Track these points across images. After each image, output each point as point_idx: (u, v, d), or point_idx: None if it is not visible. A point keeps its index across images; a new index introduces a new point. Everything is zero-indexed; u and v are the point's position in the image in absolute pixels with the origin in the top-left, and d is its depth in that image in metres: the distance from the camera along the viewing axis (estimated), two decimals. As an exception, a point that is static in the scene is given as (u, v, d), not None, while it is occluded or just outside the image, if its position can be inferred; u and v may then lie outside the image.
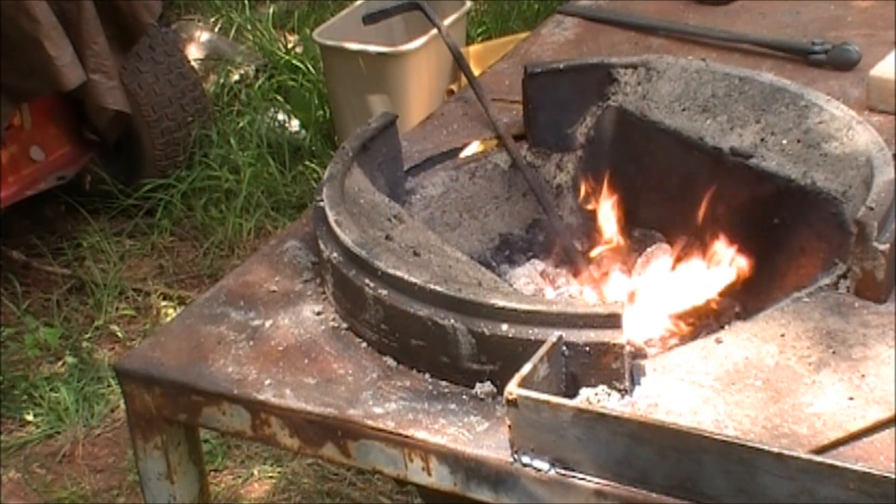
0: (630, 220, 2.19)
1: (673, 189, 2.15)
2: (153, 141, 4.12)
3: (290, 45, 4.96)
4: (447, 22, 4.26)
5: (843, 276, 1.79)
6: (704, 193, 2.08)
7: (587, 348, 1.61)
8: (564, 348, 1.61)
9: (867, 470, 1.38)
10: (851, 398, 1.59)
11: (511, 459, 1.58)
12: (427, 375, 1.74)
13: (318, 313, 1.89)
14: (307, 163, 4.34)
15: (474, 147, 2.29)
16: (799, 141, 2.00)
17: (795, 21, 2.72)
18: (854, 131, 1.95)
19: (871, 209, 1.74)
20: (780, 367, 1.65)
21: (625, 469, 1.51)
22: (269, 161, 4.30)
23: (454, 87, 4.27)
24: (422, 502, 2.62)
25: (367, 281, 1.76)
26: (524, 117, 2.28)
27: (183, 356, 1.83)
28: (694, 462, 1.45)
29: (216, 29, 5.21)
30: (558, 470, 1.55)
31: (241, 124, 4.45)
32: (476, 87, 2.27)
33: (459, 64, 2.31)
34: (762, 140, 2.04)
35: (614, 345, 1.60)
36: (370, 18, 2.40)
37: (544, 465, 1.56)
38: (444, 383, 1.73)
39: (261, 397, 1.74)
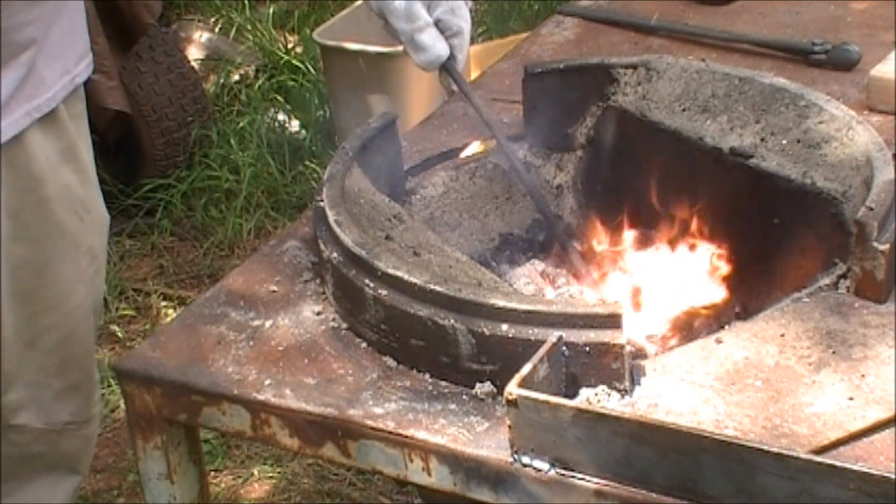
0: (630, 221, 2.19)
1: (673, 189, 2.15)
2: (153, 141, 4.13)
3: (290, 45, 4.96)
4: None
5: (843, 276, 1.79)
6: (704, 193, 2.08)
7: (587, 348, 1.61)
8: (564, 348, 1.61)
9: (867, 470, 1.38)
10: (851, 398, 1.59)
11: (511, 459, 1.58)
12: (427, 375, 1.75)
13: (318, 313, 1.89)
14: (307, 163, 4.34)
15: (474, 147, 2.29)
16: (799, 141, 2.00)
17: (795, 21, 2.72)
18: (854, 131, 1.95)
19: (871, 209, 1.74)
20: (780, 367, 1.65)
21: (625, 469, 1.51)
22: (269, 161, 4.31)
23: (454, 87, 4.27)
24: (422, 502, 2.62)
25: (367, 281, 1.76)
26: (524, 117, 2.28)
27: (183, 356, 1.83)
28: (694, 462, 1.45)
29: (216, 29, 5.21)
30: (558, 470, 1.55)
31: (241, 124, 4.45)
32: (469, 95, 2.21)
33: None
34: (762, 140, 2.04)
35: (614, 345, 1.60)
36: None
37: (544, 465, 1.56)
38: (444, 383, 1.73)
39: (261, 397, 1.74)
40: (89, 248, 2.13)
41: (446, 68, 2.10)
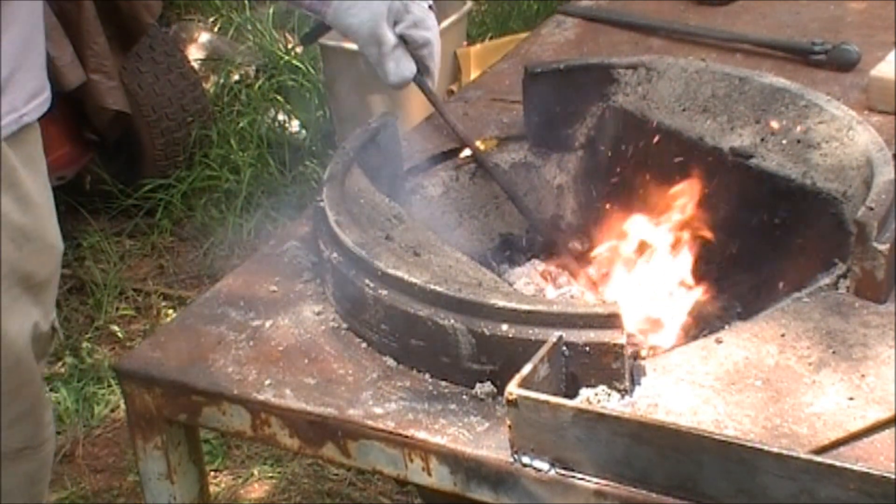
0: (629, 221, 2.18)
1: (672, 189, 2.15)
2: (153, 141, 4.13)
3: (290, 46, 4.96)
4: (447, 22, 4.26)
5: (843, 276, 1.79)
6: (704, 194, 2.08)
7: (587, 348, 1.61)
8: (564, 348, 1.62)
9: (867, 470, 1.38)
10: (851, 398, 1.59)
11: (511, 459, 1.58)
12: (427, 375, 1.75)
13: (318, 313, 1.89)
14: (307, 163, 4.34)
15: (474, 147, 2.29)
16: (799, 141, 2.00)
17: (795, 21, 2.72)
18: (854, 131, 1.95)
19: (871, 209, 1.74)
20: (780, 367, 1.65)
21: (625, 469, 1.51)
22: (269, 161, 4.31)
23: (454, 87, 4.28)
24: (422, 502, 2.62)
25: (367, 281, 1.76)
26: (524, 117, 2.28)
27: (183, 356, 1.83)
28: (694, 462, 1.45)
29: (216, 29, 5.21)
30: (558, 470, 1.55)
31: (241, 124, 4.45)
32: (441, 109, 2.23)
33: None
34: (762, 140, 2.04)
35: (614, 345, 1.60)
36: (307, 39, 2.37)
37: (544, 465, 1.56)
38: (444, 383, 1.73)
39: (261, 397, 1.74)
40: (25, 276, 2.02)
41: (417, 83, 2.10)
